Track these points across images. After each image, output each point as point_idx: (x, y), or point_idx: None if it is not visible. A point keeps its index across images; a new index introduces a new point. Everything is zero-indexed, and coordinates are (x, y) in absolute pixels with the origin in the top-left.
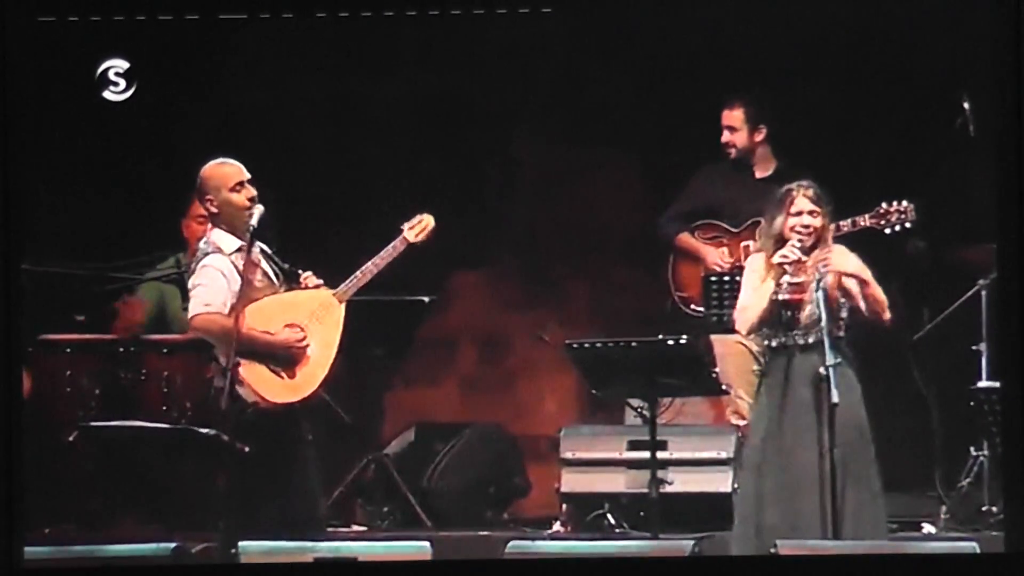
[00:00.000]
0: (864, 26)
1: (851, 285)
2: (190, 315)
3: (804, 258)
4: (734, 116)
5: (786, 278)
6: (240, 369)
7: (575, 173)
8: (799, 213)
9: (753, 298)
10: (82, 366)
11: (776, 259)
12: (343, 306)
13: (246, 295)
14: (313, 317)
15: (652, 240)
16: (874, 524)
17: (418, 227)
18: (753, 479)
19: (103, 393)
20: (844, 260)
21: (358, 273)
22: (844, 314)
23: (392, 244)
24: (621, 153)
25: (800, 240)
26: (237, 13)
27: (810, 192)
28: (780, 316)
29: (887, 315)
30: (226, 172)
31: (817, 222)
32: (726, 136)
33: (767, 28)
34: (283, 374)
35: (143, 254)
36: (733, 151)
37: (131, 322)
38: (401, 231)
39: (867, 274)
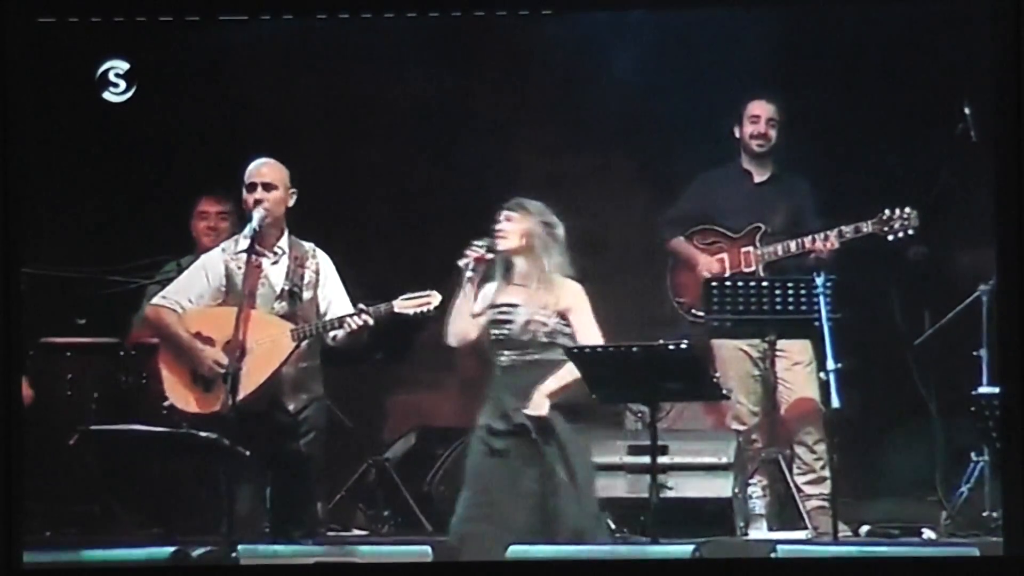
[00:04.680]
0: (865, 32)
1: (571, 318)
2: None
3: (488, 255)
4: (769, 108)
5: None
6: (161, 365)
7: (575, 177)
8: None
9: (455, 314)
10: (83, 370)
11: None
12: (292, 343)
13: (231, 299)
14: (261, 338)
15: (652, 245)
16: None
17: (414, 302)
18: (476, 490)
19: (104, 397)
20: (561, 294)
21: (328, 321)
22: (542, 337)
23: (379, 306)
24: (621, 157)
25: (472, 249)
26: (237, 14)
27: (511, 203)
28: (497, 335)
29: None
30: (248, 170)
31: (508, 226)
32: (759, 128)
33: (768, 34)
34: (199, 383)
35: (144, 257)
36: (763, 144)
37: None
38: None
39: (574, 314)
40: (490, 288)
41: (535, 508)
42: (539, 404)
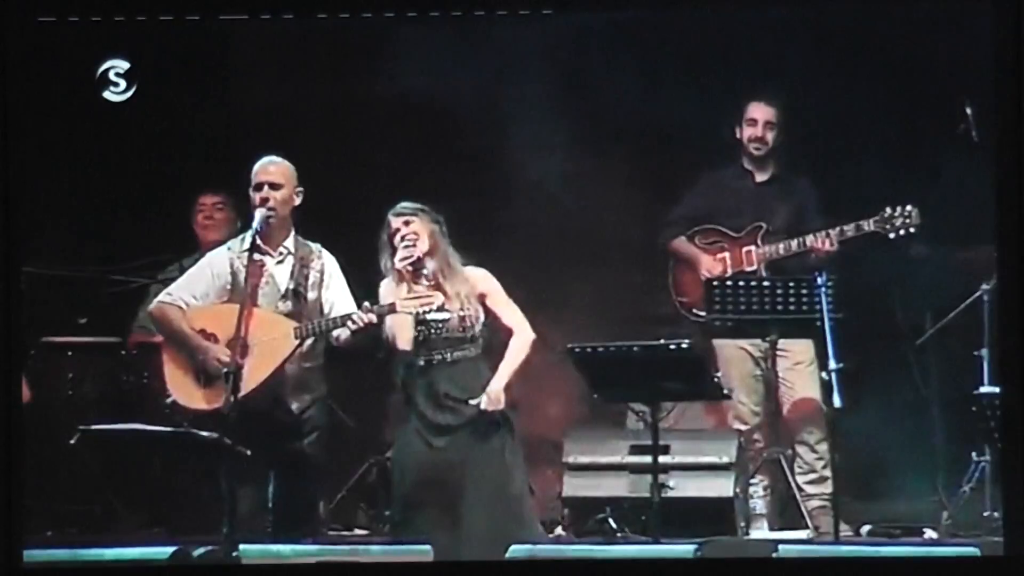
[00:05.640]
0: (866, 31)
1: (489, 303)
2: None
3: (413, 260)
4: (768, 111)
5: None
6: (164, 362)
7: (577, 176)
8: (396, 231)
9: (402, 319)
10: (84, 369)
11: (398, 264)
12: (295, 341)
13: (235, 297)
14: (264, 336)
15: (654, 244)
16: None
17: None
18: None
19: (105, 396)
20: (475, 282)
21: (331, 320)
22: (478, 329)
23: (383, 306)
24: (623, 156)
25: (404, 250)
26: (237, 14)
27: (404, 208)
28: (427, 333)
29: (520, 337)
30: (254, 169)
31: (414, 228)
32: (756, 131)
33: (769, 34)
34: (201, 378)
35: (145, 256)
36: (760, 148)
37: None
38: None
39: (491, 298)
40: (390, 290)
41: (494, 503)
42: (496, 399)
